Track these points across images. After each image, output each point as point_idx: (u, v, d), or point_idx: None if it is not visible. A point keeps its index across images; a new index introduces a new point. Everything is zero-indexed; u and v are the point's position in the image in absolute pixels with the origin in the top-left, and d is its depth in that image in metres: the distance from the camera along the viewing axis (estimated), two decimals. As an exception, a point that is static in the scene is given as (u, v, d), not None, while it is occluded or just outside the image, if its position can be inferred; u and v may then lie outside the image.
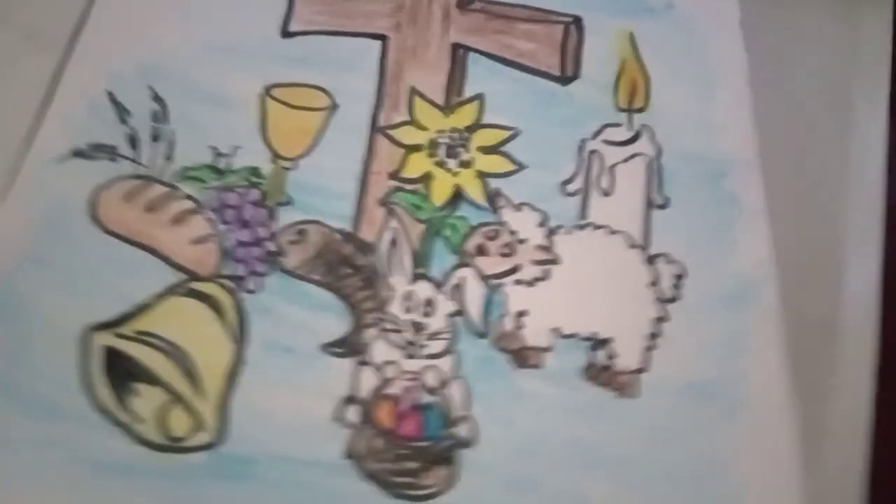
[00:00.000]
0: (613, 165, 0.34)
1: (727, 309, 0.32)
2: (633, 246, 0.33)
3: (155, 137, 0.34)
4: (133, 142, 0.34)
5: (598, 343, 0.31)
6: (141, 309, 0.30)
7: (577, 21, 0.38)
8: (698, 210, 0.34)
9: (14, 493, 0.27)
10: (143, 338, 0.30)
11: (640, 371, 0.30)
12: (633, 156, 0.35)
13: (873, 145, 0.38)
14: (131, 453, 0.28)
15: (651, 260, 0.33)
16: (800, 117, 0.38)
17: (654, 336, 0.31)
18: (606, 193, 0.34)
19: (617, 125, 0.36)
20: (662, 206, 0.34)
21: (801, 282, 0.33)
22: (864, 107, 0.39)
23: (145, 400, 0.29)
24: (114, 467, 0.28)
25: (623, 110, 0.36)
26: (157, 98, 0.35)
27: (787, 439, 0.30)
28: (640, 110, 0.36)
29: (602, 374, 0.30)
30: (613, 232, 0.33)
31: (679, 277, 0.32)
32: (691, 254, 0.33)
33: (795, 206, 0.35)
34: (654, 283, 0.32)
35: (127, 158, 0.34)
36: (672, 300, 0.32)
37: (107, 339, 0.30)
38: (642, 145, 0.35)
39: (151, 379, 0.29)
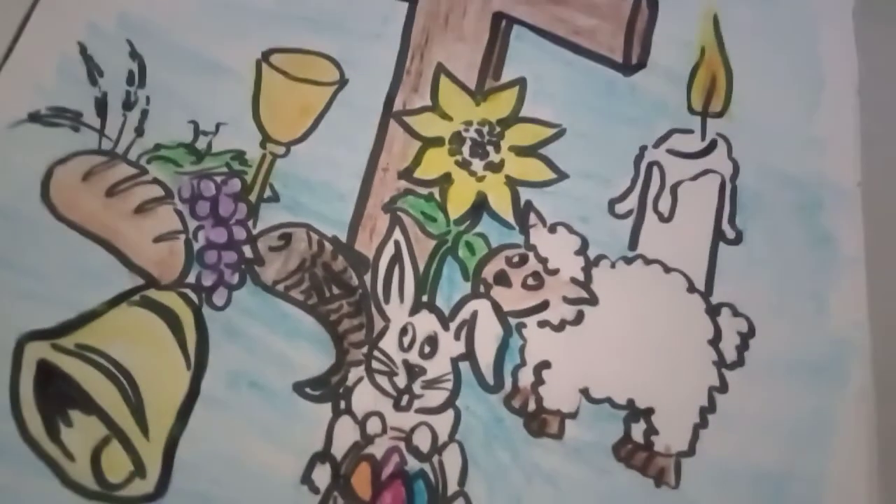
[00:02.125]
0: (678, 183, 0.30)
1: (806, 383, 0.27)
2: (692, 290, 0.28)
3: (127, 105, 0.30)
4: (101, 108, 0.30)
5: (636, 413, 0.26)
6: (86, 318, 0.27)
7: (653, -6, 0.33)
8: (781, 250, 0.29)
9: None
10: (84, 353, 0.26)
11: (684, 455, 0.25)
12: (703, 172, 0.30)
13: None
14: (60, 500, 0.25)
15: (714, 310, 0.28)
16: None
17: (707, 410, 0.26)
18: (665, 219, 0.29)
19: (688, 131, 0.31)
20: (735, 242, 0.29)
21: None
22: None
23: (79, 432, 0.26)
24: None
25: (697, 113, 0.31)
26: (134, 54, 0.31)
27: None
28: (719, 115, 0.31)
29: (637, 454, 0.26)
30: (669, 270, 0.28)
31: (746, 336, 0.27)
32: (766, 307, 0.28)
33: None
34: (715, 342, 0.27)
35: (92, 128, 0.30)
36: (735, 365, 0.27)
37: (42, 350, 0.26)
38: (716, 160, 0.30)
39: (88, 406, 0.26)
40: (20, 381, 0.26)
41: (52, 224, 0.28)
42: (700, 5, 0.33)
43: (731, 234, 0.29)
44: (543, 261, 0.28)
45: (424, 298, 0.28)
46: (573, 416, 0.26)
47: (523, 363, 0.27)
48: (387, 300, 0.27)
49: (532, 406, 0.26)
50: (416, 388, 0.26)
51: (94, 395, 0.26)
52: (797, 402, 0.26)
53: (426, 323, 0.27)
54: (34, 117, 0.30)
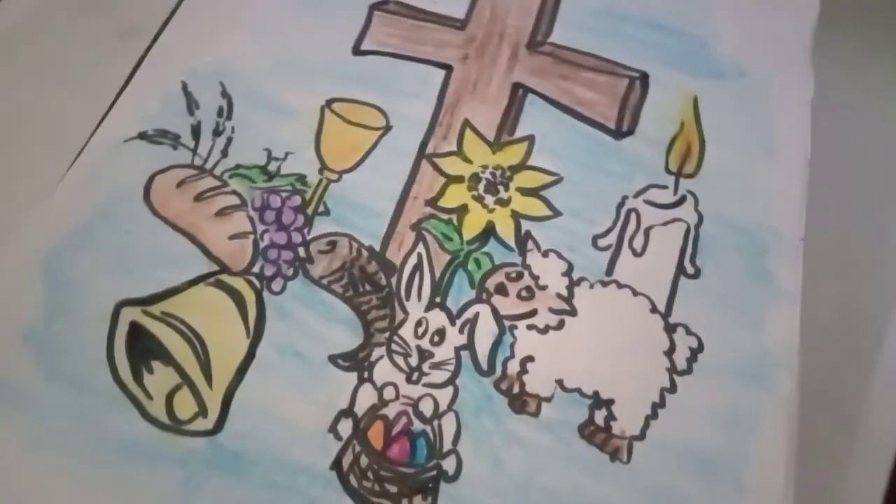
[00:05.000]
0: (650, 227, 0.34)
1: (740, 385, 0.31)
2: (654, 311, 0.32)
3: (216, 132, 0.36)
4: (196, 133, 0.35)
5: (600, 403, 0.30)
6: (170, 292, 0.32)
7: (644, 77, 0.38)
8: (730, 284, 0.33)
9: (31, 455, 0.29)
10: (167, 318, 0.31)
11: (636, 439, 0.30)
12: (672, 220, 0.34)
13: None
14: (139, 429, 0.29)
15: (671, 328, 0.32)
16: (857, 200, 0.37)
17: (657, 406, 0.30)
18: (638, 254, 0.33)
19: (663, 187, 0.35)
20: (694, 276, 0.33)
21: (827, 369, 0.32)
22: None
23: (157, 378, 0.30)
24: (121, 441, 0.29)
25: (672, 173, 0.35)
26: (224, 94, 0.36)
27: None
28: (690, 176, 0.35)
29: (597, 434, 0.30)
30: (637, 294, 0.32)
31: (696, 351, 0.31)
32: (713, 326, 0.32)
33: (835, 289, 0.34)
34: (669, 353, 0.31)
35: (187, 148, 0.35)
36: (684, 373, 0.31)
37: (134, 314, 0.31)
38: (684, 211, 0.34)
39: (167, 359, 0.30)
40: (115, 336, 0.30)
41: (150, 219, 0.33)
42: (682, 88, 0.37)
43: (691, 269, 0.33)
44: (535, 278, 0.32)
45: (438, 300, 0.32)
46: (548, 400, 0.30)
47: (512, 356, 0.31)
48: (408, 298, 0.32)
49: (516, 389, 0.30)
50: (425, 367, 0.30)
51: (171, 350, 0.30)
52: (730, 397, 0.30)
53: (437, 318, 0.31)
54: (142, 135, 0.35)
